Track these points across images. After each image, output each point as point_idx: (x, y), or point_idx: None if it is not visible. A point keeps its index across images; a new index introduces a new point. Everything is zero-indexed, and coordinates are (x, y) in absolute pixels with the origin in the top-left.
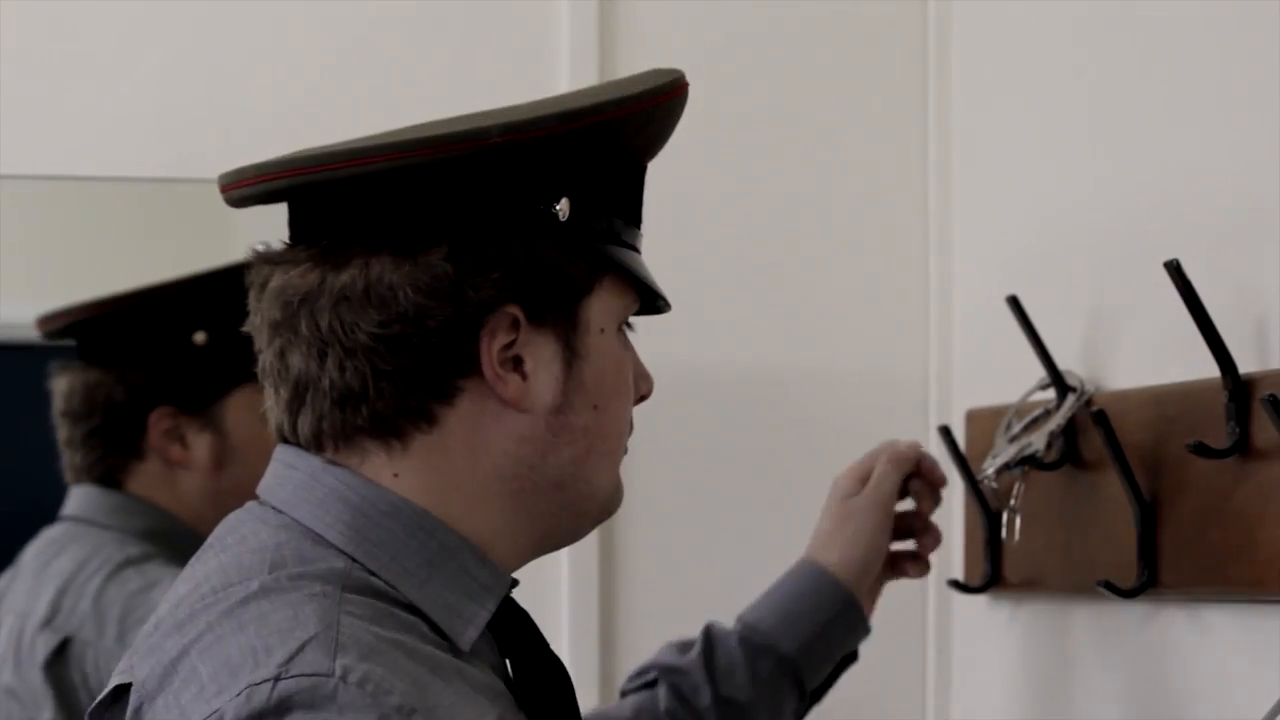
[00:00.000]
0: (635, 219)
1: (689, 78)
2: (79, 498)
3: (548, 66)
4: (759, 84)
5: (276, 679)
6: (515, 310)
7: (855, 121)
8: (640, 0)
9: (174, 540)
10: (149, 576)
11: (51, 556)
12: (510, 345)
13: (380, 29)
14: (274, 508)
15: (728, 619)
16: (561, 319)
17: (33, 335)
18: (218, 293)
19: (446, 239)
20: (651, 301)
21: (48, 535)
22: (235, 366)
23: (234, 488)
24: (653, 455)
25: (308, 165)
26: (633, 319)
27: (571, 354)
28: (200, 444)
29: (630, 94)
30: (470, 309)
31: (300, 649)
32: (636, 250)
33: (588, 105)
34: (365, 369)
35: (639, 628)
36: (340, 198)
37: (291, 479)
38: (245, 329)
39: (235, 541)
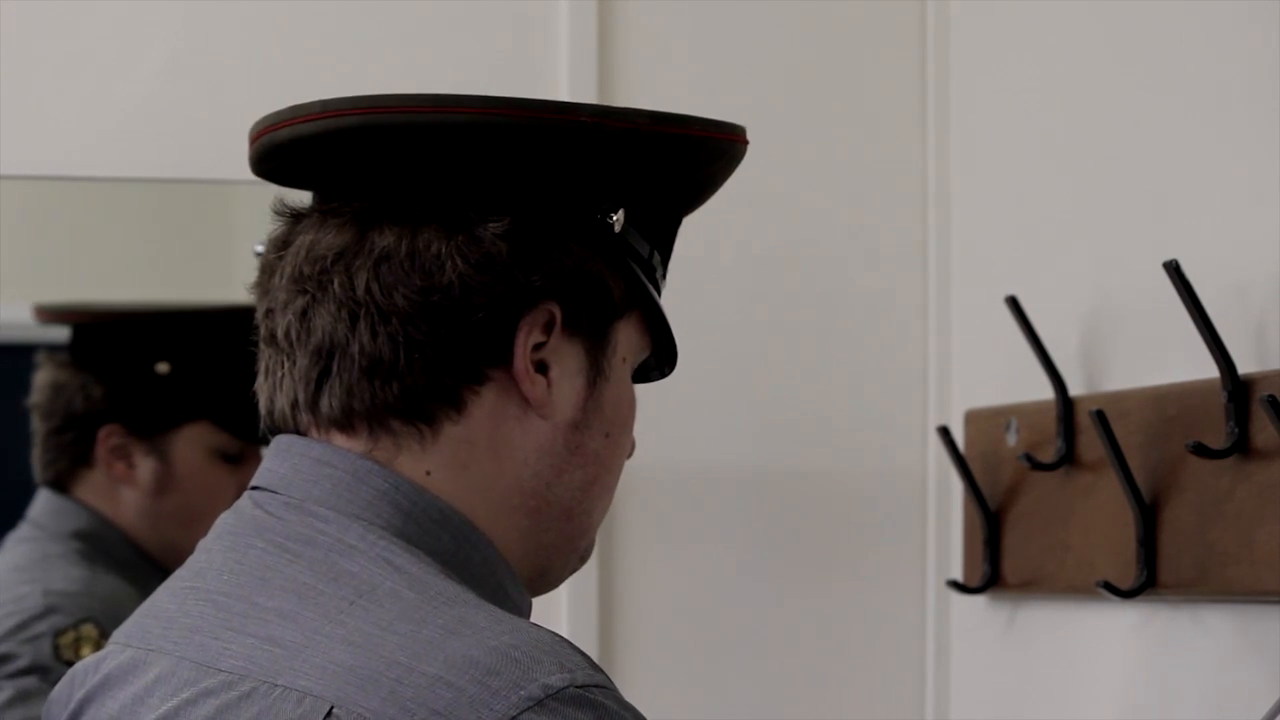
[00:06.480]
0: (666, 265)
1: (687, 77)
2: (37, 501)
3: (547, 66)
4: (758, 84)
5: (573, 685)
6: (555, 309)
7: (855, 122)
8: (640, 0)
9: (105, 542)
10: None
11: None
12: (540, 347)
13: (379, 28)
14: (310, 505)
15: (727, 622)
16: (593, 333)
17: (32, 335)
18: (189, 329)
19: (508, 215)
20: (659, 357)
21: (10, 536)
22: (191, 401)
23: (172, 513)
24: (651, 452)
25: (386, 104)
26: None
27: (596, 372)
28: (145, 467)
29: (714, 120)
30: (516, 295)
31: (573, 653)
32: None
33: (677, 115)
34: (399, 336)
35: (639, 628)
36: (401, 149)
37: (327, 476)
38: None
39: (305, 537)
